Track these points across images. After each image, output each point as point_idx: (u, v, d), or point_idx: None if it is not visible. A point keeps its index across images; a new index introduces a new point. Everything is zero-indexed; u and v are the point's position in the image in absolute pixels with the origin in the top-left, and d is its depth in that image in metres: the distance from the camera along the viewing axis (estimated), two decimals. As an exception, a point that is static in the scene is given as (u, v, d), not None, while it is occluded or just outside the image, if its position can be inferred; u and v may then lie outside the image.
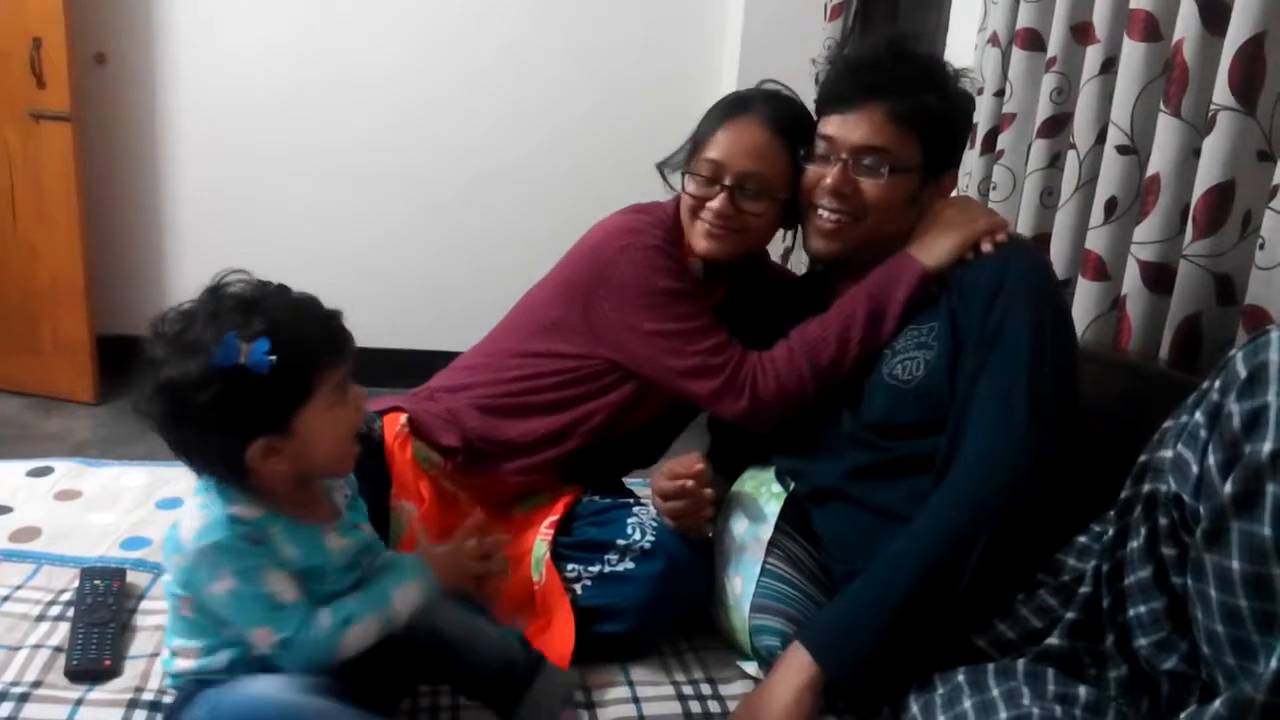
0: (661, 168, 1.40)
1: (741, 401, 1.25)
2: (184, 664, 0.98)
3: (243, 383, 0.87)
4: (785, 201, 1.31)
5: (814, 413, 1.26)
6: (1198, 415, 0.81)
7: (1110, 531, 0.94)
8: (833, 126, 1.23)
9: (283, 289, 0.95)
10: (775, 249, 1.46)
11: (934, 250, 1.22)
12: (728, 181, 1.28)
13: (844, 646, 1.04)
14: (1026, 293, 1.13)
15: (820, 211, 1.24)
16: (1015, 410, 1.07)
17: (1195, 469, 0.80)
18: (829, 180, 1.21)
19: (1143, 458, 0.91)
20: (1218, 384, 0.80)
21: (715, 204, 1.29)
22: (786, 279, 1.52)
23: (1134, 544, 0.90)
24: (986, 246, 1.20)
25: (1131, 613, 0.91)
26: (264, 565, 0.92)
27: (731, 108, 1.33)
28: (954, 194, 1.33)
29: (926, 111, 1.19)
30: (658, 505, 1.28)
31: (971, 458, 1.08)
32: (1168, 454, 0.84)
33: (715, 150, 1.29)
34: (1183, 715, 0.80)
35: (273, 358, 0.87)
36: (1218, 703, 0.75)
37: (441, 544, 1.14)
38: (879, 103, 1.19)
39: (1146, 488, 0.87)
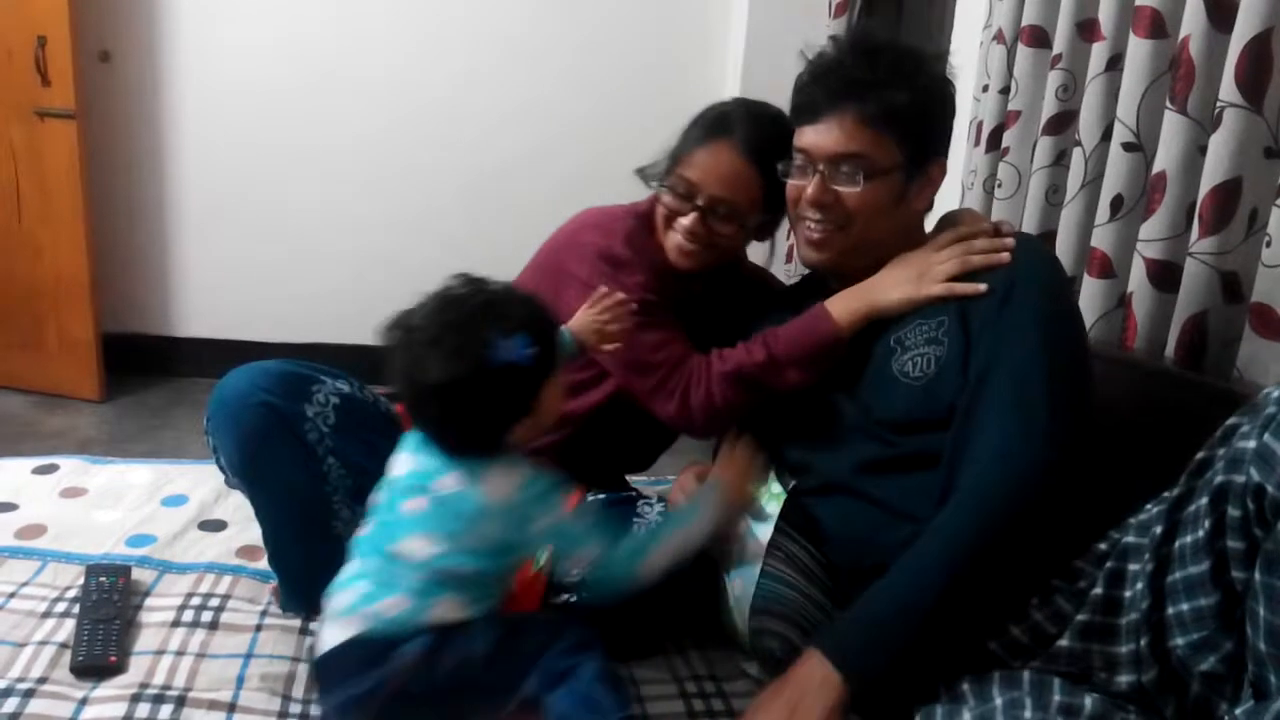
0: (642, 174, 1.40)
1: (670, 405, 1.27)
2: (448, 613, 1.02)
3: (511, 376, 0.98)
4: (757, 224, 1.34)
5: (819, 405, 1.25)
6: None
7: (1157, 531, 0.93)
8: (806, 138, 1.20)
9: (492, 282, 1.06)
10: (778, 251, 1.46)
11: (854, 304, 1.22)
12: (700, 203, 1.29)
13: (870, 662, 1.01)
14: (1039, 289, 1.12)
15: (806, 223, 1.23)
16: (1034, 410, 1.05)
17: None
18: (809, 192, 1.20)
19: (1201, 454, 0.89)
20: None
21: (686, 222, 1.30)
22: (762, 280, 1.53)
23: (1185, 540, 0.89)
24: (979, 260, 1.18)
25: (1171, 610, 0.90)
26: (562, 499, 1.04)
27: (711, 128, 1.32)
28: (955, 195, 1.32)
29: (897, 109, 1.16)
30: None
31: (991, 458, 1.06)
32: (1250, 445, 0.82)
33: (691, 170, 1.30)
34: (1239, 711, 0.79)
35: (535, 349, 0.98)
36: None
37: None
38: (847, 107, 1.16)
39: (1219, 479, 0.85)
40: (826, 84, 1.19)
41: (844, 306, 1.23)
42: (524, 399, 1.02)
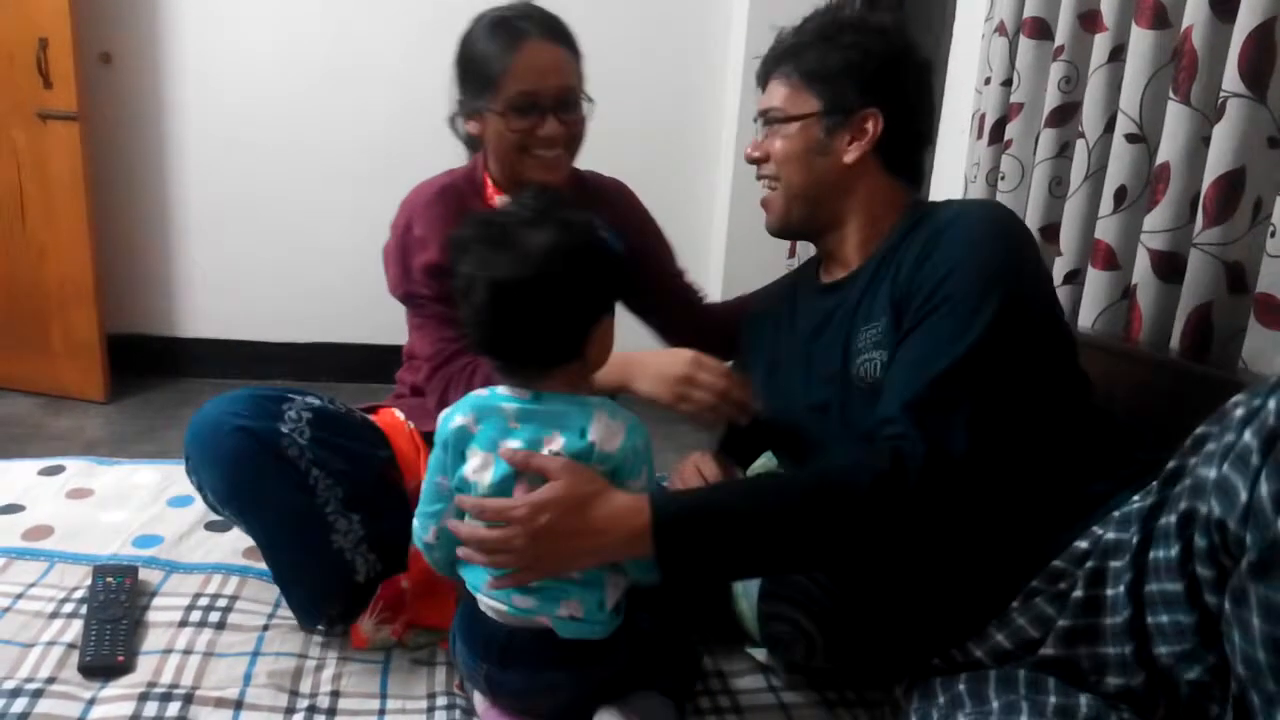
0: (454, 123, 1.42)
1: (431, 401, 1.30)
2: (616, 595, 1.03)
3: (612, 260, 1.00)
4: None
5: (803, 412, 1.24)
6: (1247, 437, 0.76)
7: (1134, 539, 0.92)
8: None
9: None
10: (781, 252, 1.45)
11: (611, 376, 1.17)
12: (549, 104, 1.30)
13: (682, 530, 1.00)
14: (972, 274, 1.05)
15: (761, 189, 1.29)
16: (907, 383, 1.03)
17: (1244, 496, 0.76)
18: (745, 151, 1.27)
19: (1173, 464, 0.88)
20: (1273, 404, 0.75)
21: (547, 130, 1.30)
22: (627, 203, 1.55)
23: (1158, 554, 0.88)
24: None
25: (1151, 620, 0.89)
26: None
27: (512, 37, 1.30)
28: (959, 187, 1.31)
29: (813, 65, 1.22)
30: None
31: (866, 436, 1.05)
32: (1210, 474, 0.80)
33: (523, 81, 1.28)
34: None
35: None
36: None
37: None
38: (773, 76, 1.26)
39: (1183, 505, 0.84)
40: (763, 63, 1.28)
41: (602, 374, 1.16)
42: (609, 293, 1.01)
